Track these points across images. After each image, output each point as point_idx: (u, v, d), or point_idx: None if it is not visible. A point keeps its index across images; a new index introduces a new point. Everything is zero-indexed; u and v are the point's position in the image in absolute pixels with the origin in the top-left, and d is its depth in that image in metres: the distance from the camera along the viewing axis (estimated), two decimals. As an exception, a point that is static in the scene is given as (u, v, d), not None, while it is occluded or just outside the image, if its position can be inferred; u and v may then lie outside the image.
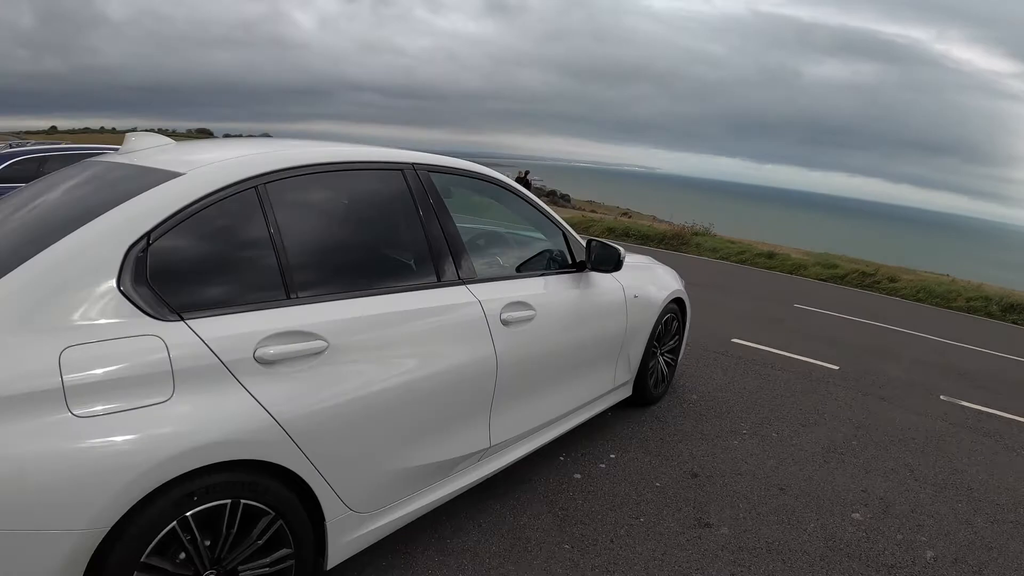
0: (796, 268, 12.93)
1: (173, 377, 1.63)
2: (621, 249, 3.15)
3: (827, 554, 2.64)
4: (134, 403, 1.56)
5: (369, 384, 2.01)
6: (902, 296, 11.16)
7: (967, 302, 10.45)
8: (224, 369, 1.71)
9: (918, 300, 10.95)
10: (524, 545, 2.44)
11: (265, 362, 1.77)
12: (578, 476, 3.05)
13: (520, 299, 2.59)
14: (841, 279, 12.20)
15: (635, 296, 3.45)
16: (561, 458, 3.20)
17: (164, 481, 1.57)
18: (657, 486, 3.04)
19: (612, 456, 3.30)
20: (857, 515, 3.01)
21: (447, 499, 2.38)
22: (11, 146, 8.62)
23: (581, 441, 3.39)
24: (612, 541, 2.54)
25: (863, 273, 12.09)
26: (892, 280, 11.72)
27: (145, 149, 2.32)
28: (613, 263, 3.08)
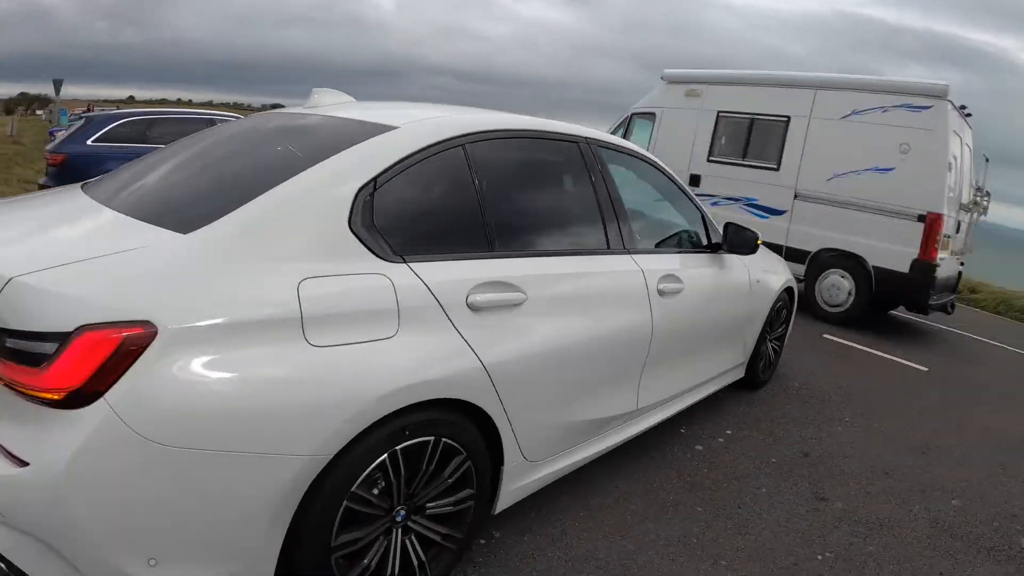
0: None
1: (399, 315, 1.71)
2: (758, 234, 3.40)
3: (932, 533, 2.92)
4: (364, 337, 1.63)
5: (555, 338, 2.15)
6: (982, 307, 11.06)
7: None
8: (441, 312, 1.81)
9: (997, 313, 10.85)
10: (661, 506, 2.78)
11: (475, 308, 1.89)
12: (699, 448, 3.39)
13: (672, 272, 2.85)
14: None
15: (757, 281, 3.72)
16: (682, 431, 3.55)
17: (385, 414, 1.63)
18: (773, 462, 3.36)
19: (728, 432, 3.63)
20: (956, 502, 3.27)
21: (593, 458, 2.58)
22: (89, 110, 9.34)
23: (697, 417, 3.72)
24: (739, 507, 2.87)
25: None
26: (973, 291, 11.60)
27: (332, 104, 2.50)
28: (750, 247, 3.31)
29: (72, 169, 6.71)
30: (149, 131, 7.22)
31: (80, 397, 1.34)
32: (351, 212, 1.73)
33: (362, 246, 1.73)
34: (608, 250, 2.57)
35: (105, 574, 1.38)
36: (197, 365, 1.40)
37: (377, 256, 1.75)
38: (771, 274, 4.01)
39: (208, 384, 1.41)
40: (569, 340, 2.22)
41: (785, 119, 7.14)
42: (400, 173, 1.88)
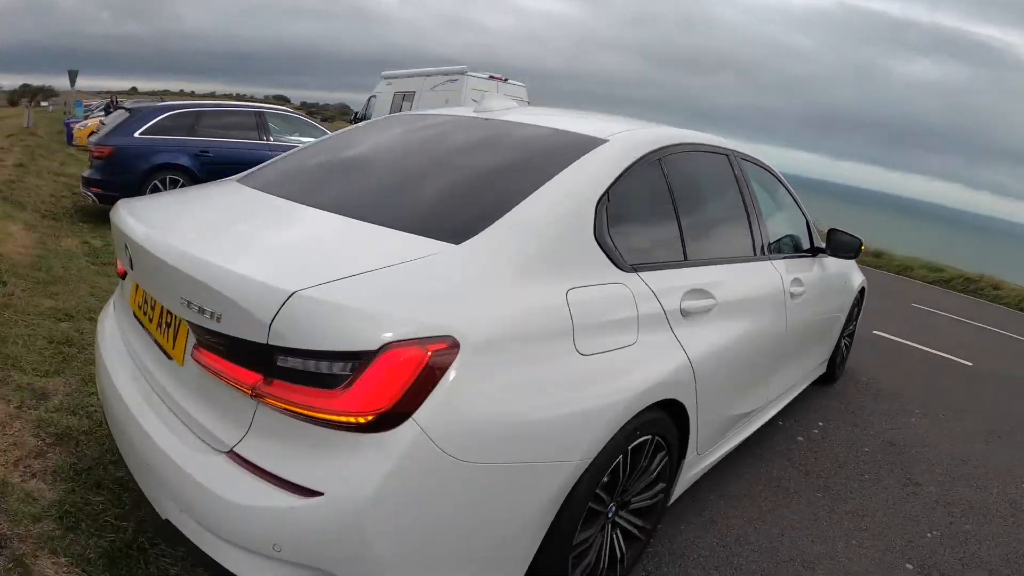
0: (903, 269, 13.34)
1: (638, 322, 1.81)
2: (862, 240, 3.65)
3: (1014, 512, 3.32)
4: (616, 344, 1.72)
5: (732, 339, 2.31)
6: (1005, 304, 11.44)
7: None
8: (664, 318, 1.93)
9: (1020, 309, 11.23)
10: (786, 493, 3.13)
11: (685, 314, 2.03)
12: (800, 439, 3.78)
13: (797, 275, 3.15)
14: (947, 283, 12.59)
15: (844, 283, 4.08)
16: (780, 423, 3.93)
17: (630, 417, 1.70)
18: (866, 451, 3.76)
19: (821, 424, 4.03)
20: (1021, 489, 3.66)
21: (731, 449, 2.81)
22: (113, 102, 9.18)
23: (790, 411, 4.11)
24: (851, 492, 3.25)
25: (968, 279, 12.38)
26: (996, 288, 11.98)
27: (508, 109, 2.57)
28: (854, 251, 3.53)
29: (119, 162, 6.77)
30: (197, 124, 7.28)
31: (389, 419, 1.27)
32: (594, 223, 1.78)
33: (605, 257, 1.79)
34: (755, 257, 2.80)
35: None
36: (493, 379, 1.39)
37: (616, 266, 1.82)
38: (853, 272, 4.37)
39: (503, 397, 1.41)
40: (740, 341, 2.41)
41: (413, 92, 13.98)
42: (622, 185, 1.94)
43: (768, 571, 2.49)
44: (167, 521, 1.50)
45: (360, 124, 2.83)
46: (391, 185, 2.04)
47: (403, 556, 1.34)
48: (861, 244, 3.61)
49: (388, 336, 1.27)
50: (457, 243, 1.55)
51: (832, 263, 3.79)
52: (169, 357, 1.66)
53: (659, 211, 2.18)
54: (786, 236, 3.45)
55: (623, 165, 1.99)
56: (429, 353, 1.30)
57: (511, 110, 2.56)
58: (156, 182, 6.90)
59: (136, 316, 1.90)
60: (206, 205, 2.12)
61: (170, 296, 1.59)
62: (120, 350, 1.94)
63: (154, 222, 1.83)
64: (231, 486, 1.34)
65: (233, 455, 1.39)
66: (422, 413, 1.29)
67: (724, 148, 2.83)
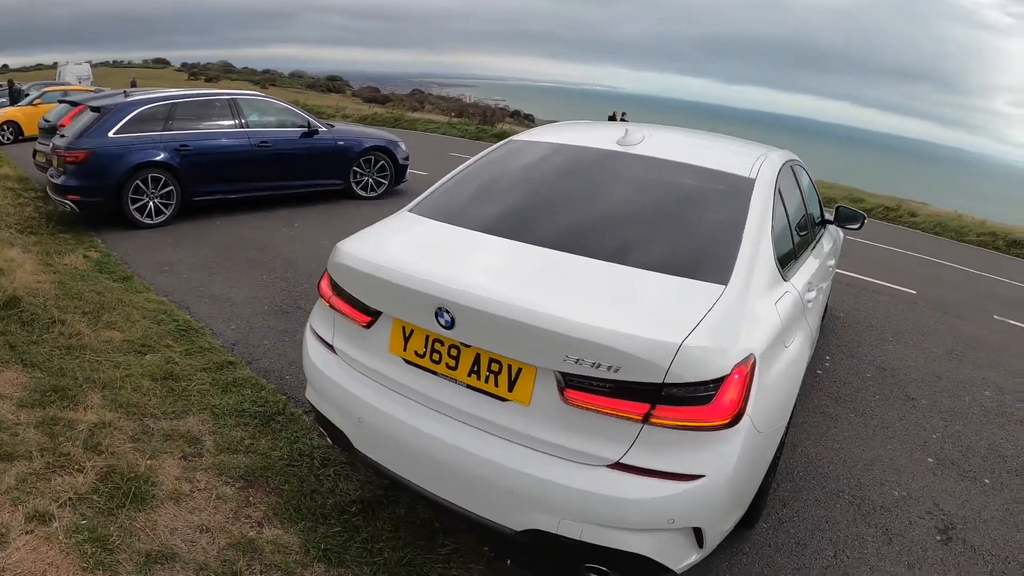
0: (825, 202, 14.63)
1: (803, 316, 2.57)
2: (865, 215, 4.51)
3: (984, 415, 4.36)
4: (796, 334, 2.45)
5: (819, 311, 3.25)
6: (922, 229, 13.00)
7: (977, 236, 12.36)
8: (804, 309, 2.62)
9: (936, 233, 12.81)
10: (829, 417, 4.04)
11: (806, 302, 2.66)
12: (820, 372, 4.70)
13: (827, 248, 3.97)
14: (868, 212, 13.96)
15: (839, 244, 4.93)
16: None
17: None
18: (868, 376, 4.72)
19: (828, 358, 4.97)
20: (988, 392, 4.74)
21: None
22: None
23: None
24: (872, 410, 4.19)
25: (887, 207, 13.86)
26: (912, 215, 13.53)
27: (643, 142, 2.91)
28: (859, 223, 4.36)
29: (97, 165, 6.61)
30: (171, 117, 7.15)
31: (738, 417, 1.86)
32: (772, 249, 2.42)
33: (779, 272, 2.44)
34: (815, 242, 3.56)
35: (721, 536, 2.04)
36: (768, 376, 2.07)
37: (784, 278, 2.48)
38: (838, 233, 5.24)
39: (772, 387, 2.10)
40: (820, 309, 3.29)
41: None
42: (769, 214, 2.53)
43: (843, 475, 3.37)
44: (532, 531, 1.96)
45: (505, 151, 3.12)
46: (613, 225, 2.51)
47: (736, 502, 2.04)
48: (865, 218, 4.45)
49: (732, 363, 1.86)
50: (724, 284, 2.12)
51: (835, 230, 4.61)
52: (501, 399, 2.02)
53: (781, 225, 2.69)
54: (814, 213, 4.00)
55: (769, 198, 2.60)
56: (748, 369, 1.91)
57: (645, 141, 2.94)
58: (138, 182, 6.82)
59: (412, 363, 2.19)
60: (451, 251, 2.41)
61: (521, 349, 1.95)
62: (392, 396, 2.22)
63: (470, 280, 2.09)
64: (625, 488, 1.84)
65: (619, 466, 1.87)
66: (749, 408, 1.91)
67: (792, 156, 3.44)
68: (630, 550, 1.90)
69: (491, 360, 2.03)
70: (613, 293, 2.10)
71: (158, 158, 6.94)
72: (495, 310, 1.95)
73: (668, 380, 1.80)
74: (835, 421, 3.96)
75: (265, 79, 54.87)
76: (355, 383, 2.33)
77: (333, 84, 58.67)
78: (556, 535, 1.93)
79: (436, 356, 2.14)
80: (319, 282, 2.59)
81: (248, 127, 7.73)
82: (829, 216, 4.51)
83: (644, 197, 2.70)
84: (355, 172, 8.68)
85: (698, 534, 1.96)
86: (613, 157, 2.88)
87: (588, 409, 1.87)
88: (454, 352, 2.10)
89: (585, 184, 2.76)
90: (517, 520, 1.99)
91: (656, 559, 1.92)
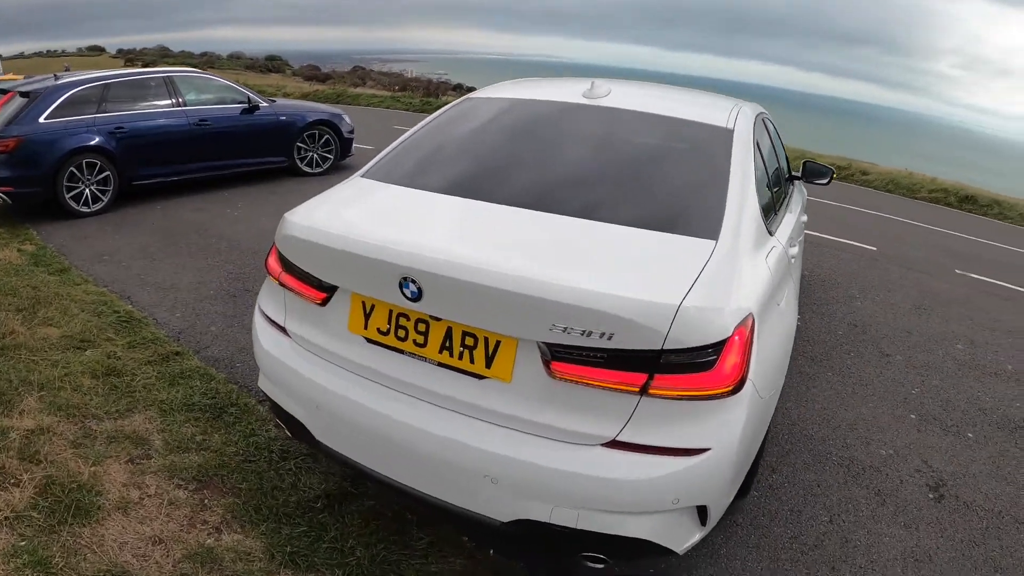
0: (782, 164, 14.79)
1: (791, 275, 2.51)
2: (833, 169, 4.41)
3: (959, 368, 4.38)
4: (785, 290, 2.32)
5: (798, 264, 3.08)
6: (875, 188, 13.22)
7: (929, 193, 12.62)
8: (789, 263, 2.49)
9: (888, 191, 13.05)
10: (808, 377, 3.98)
11: (791, 257, 2.57)
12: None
13: (800, 203, 3.89)
14: (822, 173, 14.19)
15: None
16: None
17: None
18: (840, 334, 4.69)
19: (799, 315, 4.89)
20: (960, 346, 4.77)
21: None
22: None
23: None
24: (849, 368, 4.16)
25: (839, 167, 14.03)
26: (864, 173, 13.74)
27: (610, 95, 2.73)
28: (828, 178, 4.22)
29: (29, 153, 6.18)
30: (105, 98, 6.72)
31: (742, 383, 1.70)
32: (757, 202, 2.27)
33: (765, 227, 2.30)
34: (789, 196, 3.50)
35: (723, 511, 1.88)
36: (764, 336, 1.89)
37: (769, 232, 2.36)
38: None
39: (769, 347, 1.94)
40: (798, 263, 3.17)
41: None
42: (752, 167, 2.40)
43: (828, 437, 3.31)
44: (522, 521, 1.78)
45: (461, 109, 2.92)
46: (587, 181, 2.34)
47: (740, 474, 1.91)
48: (833, 173, 4.34)
49: (733, 324, 1.69)
50: (715, 239, 1.95)
51: (800, 185, 4.52)
52: (478, 377, 1.82)
53: (760, 178, 2.54)
54: (784, 168, 4.03)
55: (750, 149, 2.46)
56: (748, 329, 1.74)
57: (612, 94, 2.76)
58: (73, 169, 6.38)
59: (375, 341, 1.98)
60: (413, 216, 2.22)
61: (499, 320, 1.75)
62: (353, 380, 2.01)
63: (436, 245, 1.89)
64: (623, 468, 1.68)
65: (614, 444, 1.69)
66: (751, 372, 1.75)
67: (761, 109, 3.29)
68: (630, 535, 1.75)
69: (465, 334, 1.83)
70: (596, 253, 1.93)
71: (93, 142, 6.48)
72: (468, 276, 1.75)
73: (667, 346, 1.62)
74: (813, 381, 3.91)
75: (203, 62, 53.33)
76: (312, 367, 2.11)
77: (272, 64, 57.34)
78: (549, 524, 1.76)
79: (402, 333, 1.93)
80: (266, 259, 2.34)
81: (186, 105, 7.27)
82: (796, 172, 4.42)
83: (617, 151, 2.54)
84: (299, 148, 8.30)
85: (702, 512, 1.81)
86: (580, 110, 2.70)
87: (578, 383, 1.70)
88: (422, 327, 1.90)
89: (553, 139, 2.60)
90: (504, 510, 1.81)
91: (658, 542, 1.78)
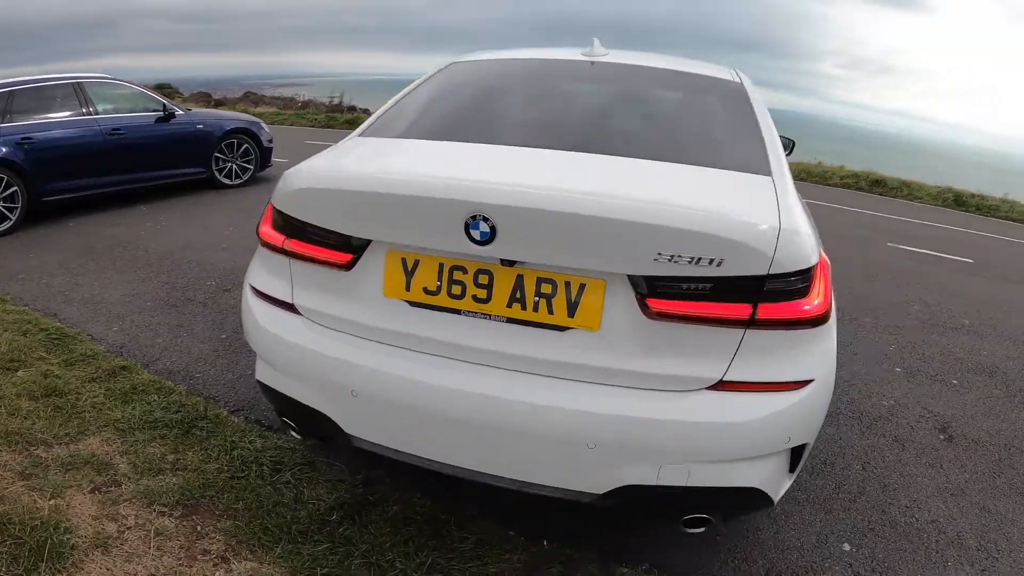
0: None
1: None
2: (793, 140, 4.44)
3: (921, 326, 4.56)
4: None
5: None
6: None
7: (841, 180, 13.34)
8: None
9: (802, 179, 13.68)
10: None
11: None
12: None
13: None
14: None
15: None
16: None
17: None
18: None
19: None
20: (915, 307, 4.99)
21: None
22: None
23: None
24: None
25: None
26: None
27: (615, 55, 2.67)
28: (789, 149, 4.09)
29: None
30: (9, 107, 6.13)
31: (830, 310, 1.63)
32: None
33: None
34: None
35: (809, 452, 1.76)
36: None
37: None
38: None
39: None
40: None
41: None
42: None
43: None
44: (624, 488, 1.59)
45: (452, 72, 2.72)
46: (625, 126, 2.25)
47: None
48: (793, 144, 4.32)
49: (817, 249, 1.62)
50: (769, 175, 1.84)
51: None
52: (559, 328, 1.62)
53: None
54: None
55: (760, 101, 2.39)
56: (824, 256, 1.68)
57: (611, 54, 2.70)
58: None
59: (421, 304, 1.73)
60: (458, 159, 1.96)
61: (591, 256, 1.56)
62: (397, 353, 1.74)
63: (509, 178, 1.69)
64: (734, 409, 1.55)
65: (722, 385, 1.56)
66: (830, 301, 1.67)
67: None
68: (743, 485, 1.60)
69: (540, 281, 1.61)
70: (672, 186, 1.76)
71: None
72: (557, 206, 1.52)
73: (772, 271, 1.49)
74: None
75: None
76: (339, 346, 1.79)
77: (163, 92, 55.41)
78: (655, 487, 1.58)
79: (456, 289, 1.67)
80: (259, 227, 2.02)
81: (98, 114, 6.65)
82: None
83: (642, 98, 2.46)
84: (217, 158, 7.78)
85: (795, 455, 1.70)
86: (588, 66, 2.59)
87: (678, 321, 1.54)
88: (483, 279, 1.65)
89: (573, 91, 2.49)
90: (602, 480, 1.61)
91: (766, 491, 1.64)
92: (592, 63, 2.59)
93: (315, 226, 1.80)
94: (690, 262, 1.49)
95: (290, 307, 1.93)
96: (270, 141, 8.35)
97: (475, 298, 1.67)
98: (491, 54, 2.97)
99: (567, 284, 1.60)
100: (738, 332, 1.54)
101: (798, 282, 1.54)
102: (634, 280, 1.56)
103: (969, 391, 3.52)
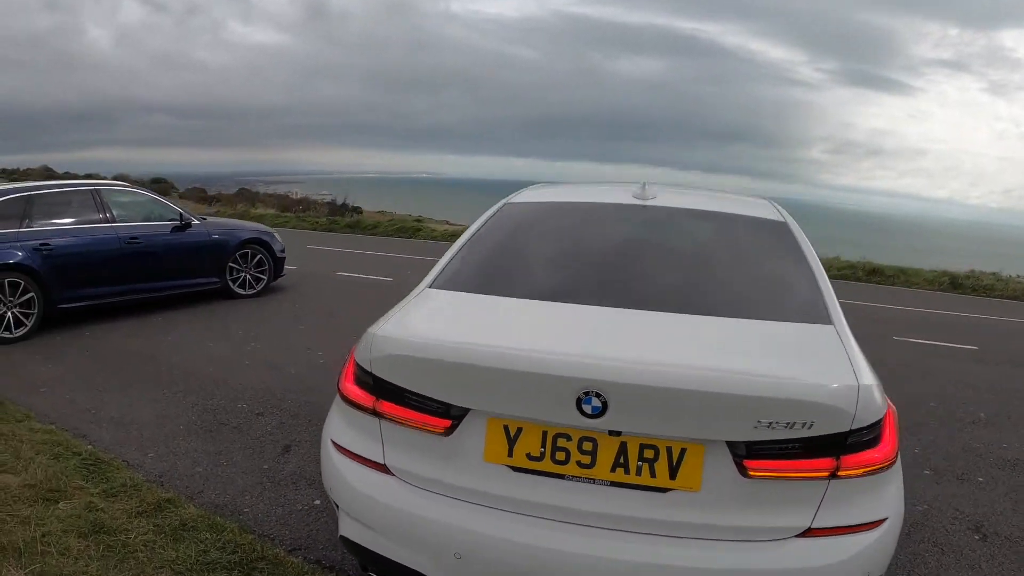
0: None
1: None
2: None
3: (940, 423, 4.71)
4: None
5: None
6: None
7: (839, 271, 13.72)
8: None
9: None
10: None
11: None
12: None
13: None
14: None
15: None
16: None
17: None
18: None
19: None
20: (932, 403, 5.12)
21: None
22: None
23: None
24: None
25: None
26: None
27: (662, 195, 2.87)
28: None
29: None
30: (28, 212, 6.30)
31: (898, 452, 1.82)
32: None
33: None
34: None
35: None
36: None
37: None
38: None
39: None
40: None
41: None
42: None
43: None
44: None
45: (507, 215, 2.86)
46: (683, 278, 2.41)
47: None
48: None
49: (885, 398, 1.80)
50: (830, 323, 2.07)
51: None
52: (661, 490, 1.74)
53: None
54: None
55: (806, 239, 2.62)
56: (890, 403, 1.84)
57: (659, 196, 2.88)
58: None
59: (524, 469, 1.81)
60: (545, 324, 2.09)
61: (693, 425, 1.70)
62: (500, 516, 1.81)
63: (616, 352, 1.82)
64: (823, 553, 1.70)
65: (810, 532, 1.71)
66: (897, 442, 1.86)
67: None
68: None
69: (643, 447, 1.74)
70: (747, 346, 1.97)
71: (15, 260, 5.98)
72: (673, 383, 1.68)
73: (853, 427, 1.69)
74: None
75: None
76: (440, 508, 1.85)
77: (158, 187, 57.19)
78: None
79: (561, 455, 1.78)
80: (340, 382, 2.11)
81: (115, 221, 6.88)
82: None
83: (696, 246, 2.66)
84: (231, 268, 7.99)
85: None
86: (641, 210, 2.79)
87: (771, 478, 1.71)
88: (587, 446, 1.77)
89: (627, 239, 2.66)
90: None
91: None
92: (644, 206, 2.80)
93: (413, 392, 1.89)
94: (786, 427, 1.66)
95: (382, 467, 1.98)
96: (283, 251, 8.61)
97: (579, 463, 1.77)
98: (539, 192, 3.19)
99: (668, 449, 1.73)
100: (823, 483, 1.71)
101: (874, 432, 1.74)
102: (733, 444, 1.71)
103: (995, 487, 3.66)
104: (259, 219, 20.75)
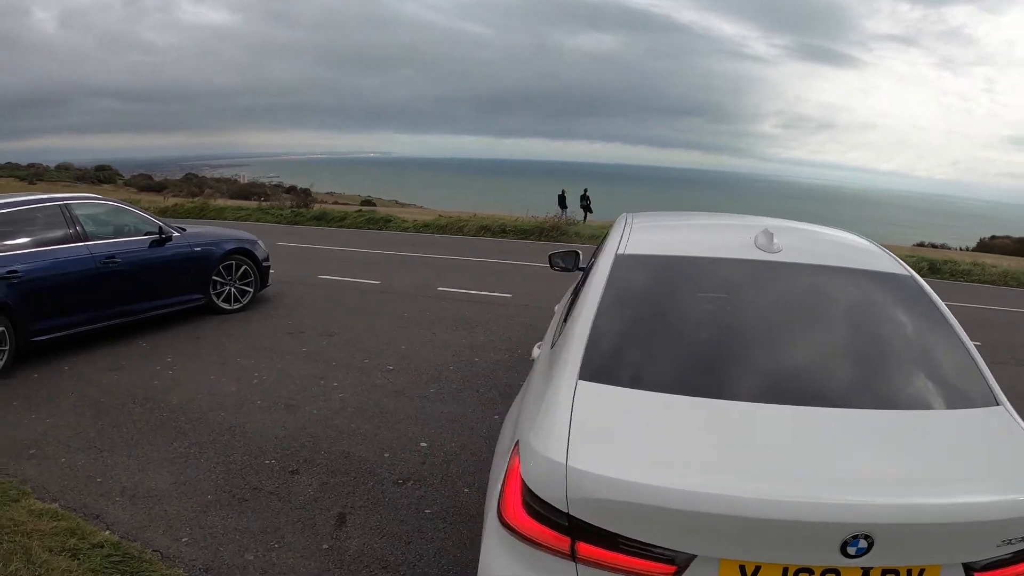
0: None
1: None
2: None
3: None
4: None
5: None
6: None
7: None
8: None
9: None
10: None
11: None
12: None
13: None
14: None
15: None
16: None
17: None
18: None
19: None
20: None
21: None
22: None
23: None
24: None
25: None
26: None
27: (785, 243, 2.69)
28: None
29: None
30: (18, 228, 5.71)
31: None
32: None
33: None
34: None
35: None
36: None
37: None
38: None
39: None
40: None
41: None
42: None
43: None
44: None
45: (620, 274, 2.59)
46: (835, 362, 2.29)
47: None
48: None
49: None
50: (997, 403, 2.09)
51: None
52: None
53: None
54: None
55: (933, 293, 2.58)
56: None
57: (784, 250, 2.67)
58: None
59: None
60: (742, 438, 1.91)
61: (937, 551, 1.68)
62: None
63: (859, 491, 1.70)
64: None
65: None
66: None
67: None
68: None
69: (885, 572, 1.69)
70: (939, 448, 1.95)
71: None
72: (938, 518, 1.65)
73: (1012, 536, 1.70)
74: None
75: (31, 174, 50.01)
76: None
77: (103, 174, 54.85)
78: None
79: None
80: (504, 511, 1.85)
81: (89, 239, 6.17)
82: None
83: (844, 317, 2.50)
84: (215, 282, 7.37)
85: None
86: (774, 270, 2.61)
87: None
88: None
89: (772, 310, 2.50)
90: None
91: None
92: (776, 264, 2.61)
93: (627, 538, 1.69)
94: (1021, 540, 1.68)
95: None
96: (267, 259, 8.01)
97: None
98: (647, 235, 2.94)
99: (908, 572, 1.69)
100: None
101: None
102: (969, 562, 1.70)
103: None
104: (219, 212, 19.96)
